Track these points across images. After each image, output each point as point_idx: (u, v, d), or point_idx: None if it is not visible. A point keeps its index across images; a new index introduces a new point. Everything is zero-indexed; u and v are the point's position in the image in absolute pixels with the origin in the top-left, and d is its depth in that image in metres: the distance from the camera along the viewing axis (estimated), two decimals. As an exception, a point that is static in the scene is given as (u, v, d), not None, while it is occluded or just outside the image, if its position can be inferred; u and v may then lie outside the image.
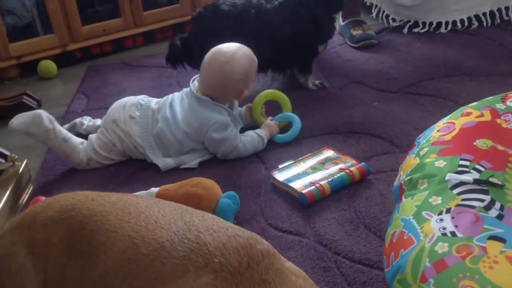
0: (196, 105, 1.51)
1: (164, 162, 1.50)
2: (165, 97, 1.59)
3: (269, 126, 1.59)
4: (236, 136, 1.50)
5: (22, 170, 1.51)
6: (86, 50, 2.51)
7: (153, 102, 1.57)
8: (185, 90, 1.59)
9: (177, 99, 1.56)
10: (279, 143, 1.57)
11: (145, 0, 2.57)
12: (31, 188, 1.52)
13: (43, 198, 1.28)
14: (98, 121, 1.70)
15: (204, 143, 1.52)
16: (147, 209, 0.82)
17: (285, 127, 1.62)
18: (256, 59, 1.56)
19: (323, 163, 1.41)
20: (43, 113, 1.49)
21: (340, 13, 2.34)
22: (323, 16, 1.85)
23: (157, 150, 1.51)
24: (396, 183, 1.04)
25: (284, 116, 1.65)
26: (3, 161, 1.54)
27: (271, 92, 1.69)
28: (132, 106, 1.55)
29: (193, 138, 1.51)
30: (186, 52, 1.85)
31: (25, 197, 1.48)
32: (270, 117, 1.64)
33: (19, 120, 1.48)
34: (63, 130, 1.53)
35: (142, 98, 1.59)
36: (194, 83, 1.57)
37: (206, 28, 1.83)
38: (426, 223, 0.85)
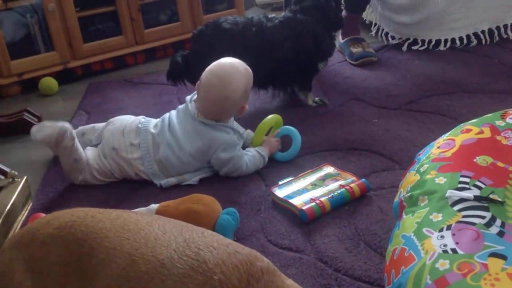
0: (202, 128, 1.49)
1: (166, 181, 1.50)
2: (161, 118, 1.56)
3: (270, 143, 1.59)
4: (242, 156, 1.50)
5: (22, 187, 1.51)
6: (87, 67, 2.53)
7: (152, 125, 1.54)
8: (181, 108, 1.56)
9: (174, 119, 1.53)
10: (280, 161, 1.57)
11: (146, 18, 2.59)
12: (31, 204, 1.51)
13: (43, 215, 1.28)
14: (98, 126, 1.64)
15: (209, 162, 1.52)
16: (147, 226, 0.82)
17: (285, 143, 1.62)
18: (249, 69, 1.55)
19: (323, 180, 1.41)
20: (68, 129, 1.46)
21: (340, 31, 2.36)
22: (323, 34, 1.87)
23: (160, 174, 1.51)
24: (396, 199, 1.04)
25: (283, 130, 1.64)
26: (3, 177, 1.54)
27: (273, 119, 1.64)
28: (131, 132, 1.52)
29: (199, 159, 1.50)
30: (187, 69, 1.86)
31: (24, 213, 1.47)
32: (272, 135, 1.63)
33: (43, 132, 1.44)
34: (79, 149, 1.50)
35: (140, 121, 1.55)
36: (192, 105, 1.53)
37: (207, 46, 1.84)
38: (427, 240, 0.85)
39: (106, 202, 1.45)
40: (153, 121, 1.57)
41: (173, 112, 1.58)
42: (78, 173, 1.53)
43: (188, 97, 1.58)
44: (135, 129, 1.53)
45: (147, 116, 1.66)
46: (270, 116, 1.64)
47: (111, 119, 1.60)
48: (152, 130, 1.52)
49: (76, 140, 1.50)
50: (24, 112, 2.02)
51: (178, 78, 1.89)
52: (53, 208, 1.44)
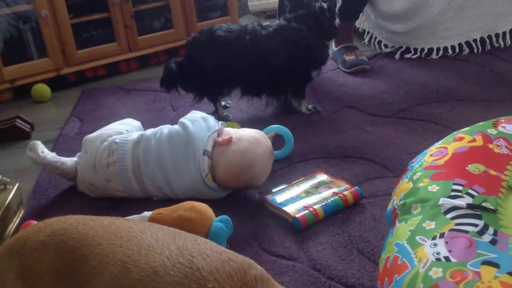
0: (203, 186, 1.40)
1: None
2: (142, 147, 1.43)
3: None
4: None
5: (14, 194, 1.50)
6: (80, 74, 2.53)
7: (128, 156, 1.42)
8: (176, 137, 1.43)
9: (166, 150, 1.42)
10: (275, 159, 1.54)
11: (140, 25, 2.59)
12: (23, 211, 1.50)
13: (35, 222, 1.27)
14: (68, 161, 1.54)
15: None
16: (140, 233, 0.82)
17: (278, 142, 1.60)
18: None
19: (316, 187, 1.41)
20: (32, 144, 1.53)
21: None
22: (317, 42, 1.88)
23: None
24: (389, 207, 1.04)
25: (273, 128, 1.61)
26: (-6, 184, 1.53)
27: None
28: (103, 166, 1.43)
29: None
30: (181, 76, 1.86)
31: (16, 221, 1.46)
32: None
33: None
34: (51, 161, 1.52)
35: (112, 151, 1.44)
36: (204, 161, 1.38)
37: (201, 53, 1.84)
38: (420, 248, 0.85)
39: (98, 209, 1.44)
40: (129, 147, 1.45)
41: (164, 139, 1.44)
42: (75, 182, 1.53)
43: (198, 137, 1.41)
44: (107, 164, 1.43)
45: (142, 122, 1.66)
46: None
47: (84, 143, 1.52)
48: (129, 164, 1.42)
49: (45, 155, 1.52)
50: (16, 119, 2.01)
51: (172, 85, 1.89)
52: (45, 215, 1.43)
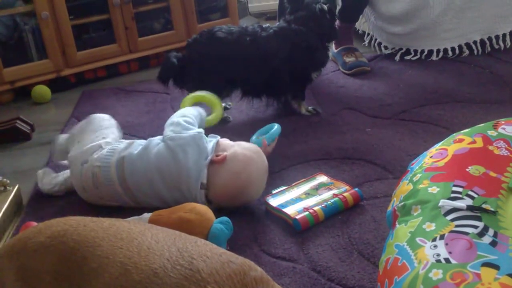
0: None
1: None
2: (128, 170, 1.38)
3: (264, 152, 1.55)
4: None
5: (14, 195, 1.50)
6: (80, 76, 2.53)
7: (114, 178, 1.39)
8: (162, 166, 1.37)
9: (158, 182, 1.37)
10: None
11: (140, 26, 2.59)
12: (23, 213, 1.50)
13: (35, 223, 1.27)
14: (63, 181, 1.54)
15: None
16: (140, 235, 0.82)
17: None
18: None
19: (316, 189, 1.41)
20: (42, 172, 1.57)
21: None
22: (317, 44, 1.88)
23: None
24: (389, 209, 1.04)
25: (266, 128, 1.61)
26: (-6, 186, 1.53)
27: (198, 96, 1.69)
28: (92, 188, 1.41)
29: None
30: (180, 72, 1.86)
31: (16, 222, 1.46)
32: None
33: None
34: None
35: (95, 174, 1.40)
36: (202, 193, 1.36)
37: (202, 55, 1.84)
38: (420, 249, 0.85)
39: (98, 211, 1.44)
40: (112, 166, 1.40)
41: (153, 166, 1.37)
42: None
43: (192, 173, 1.35)
44: (93, 182, 1.40)
45: (139, 124, 1.65)
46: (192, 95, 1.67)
47: (68, 162, 1.49)
48: (119, 185, 1.39)
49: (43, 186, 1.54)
50: (16, 120, 2.01)
51: (169, 78, 1.87)
52: (45, 216, 1.42)
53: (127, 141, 1.49)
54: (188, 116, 1.50)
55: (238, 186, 1.35)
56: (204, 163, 1.36)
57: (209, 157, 1.37)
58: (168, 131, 1.44)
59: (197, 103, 1.68)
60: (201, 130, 1.45)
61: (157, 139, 1.45)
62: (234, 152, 1.38)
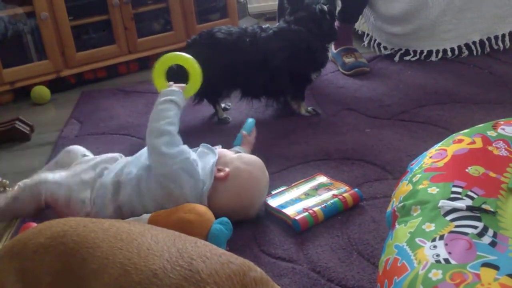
0: None
1: None
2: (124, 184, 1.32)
3: (248, 143, 1.54)
4: None
5: (13, 196, 1.49)
6: (80, 76, 2.53)
7: (108, 197, 1.31)
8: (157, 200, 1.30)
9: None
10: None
11: (139, 27, 2.59)
12: (22, 214, 1.50)
13: (34, 224, 1.27)
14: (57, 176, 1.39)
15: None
16: (140, 235, 0.82)
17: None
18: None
19: (316, 189, 1.41)
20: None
21: (332, 41, 2.37)
22: (317, 45, 1.88)
23: None
24: (389, 209, 1.04)
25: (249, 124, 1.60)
26: (-6, 186, 1.53)
27: (173, 58, 1.49)
28: (83, 212, 1.32)
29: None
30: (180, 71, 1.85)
31: (15, 223, 1.46)
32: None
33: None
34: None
35: (92, 197, 1.33)
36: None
37: (201, 55, 1.84)
38: (420, 249, 0.85)
39: (98, 212, 1.44)
40: (109, 185, 1.32)
41: (146, 198, 1.31)
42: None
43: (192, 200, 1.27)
44: (83, 200, 1.32)
45: (138, 124, 1.64)
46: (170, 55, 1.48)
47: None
48: (109, 205, 1.31)
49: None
50: (16, 121, 2.01)
51: (168, 79, 1.86)
52: (45, 217, 1.42)
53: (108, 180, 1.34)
54: (167, 132, 1.33)
55: (240, 205, 1.31)
56: (203, 191, 1.29)
57: (208, 185, 1.29)
58: (154, 156, 1.31)
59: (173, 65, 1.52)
60: (187, 155, 1.31)
61: (145, 166, 1.33)
62: (237, 168, 1.32)
